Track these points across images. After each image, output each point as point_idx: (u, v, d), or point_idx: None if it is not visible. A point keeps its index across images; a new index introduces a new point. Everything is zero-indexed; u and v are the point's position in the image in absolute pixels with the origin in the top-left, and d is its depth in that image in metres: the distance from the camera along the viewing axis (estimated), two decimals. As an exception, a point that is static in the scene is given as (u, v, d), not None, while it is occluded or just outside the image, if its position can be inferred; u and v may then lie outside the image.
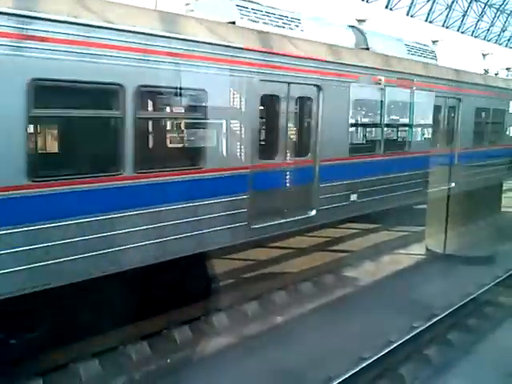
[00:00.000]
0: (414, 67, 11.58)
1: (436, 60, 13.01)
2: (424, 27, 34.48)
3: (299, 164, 8.78)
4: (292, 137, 8.72)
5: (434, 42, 17.58)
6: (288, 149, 8.51)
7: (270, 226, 8.20)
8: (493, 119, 15.21)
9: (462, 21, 40.80)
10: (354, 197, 9.76)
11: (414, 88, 11.26)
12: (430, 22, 37.56)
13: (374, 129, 11.37)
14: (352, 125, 10.20)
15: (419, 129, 12.16)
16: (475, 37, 42.39)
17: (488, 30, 44.02)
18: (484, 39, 43.48)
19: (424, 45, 13.13)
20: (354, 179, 9.78)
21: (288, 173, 8.51)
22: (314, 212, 8.97)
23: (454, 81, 12.84)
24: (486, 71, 17.54)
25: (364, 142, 11.45)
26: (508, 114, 16.29)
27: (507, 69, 20.65)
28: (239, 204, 7.60)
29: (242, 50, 7.47)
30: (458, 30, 40.55)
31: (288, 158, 8.52)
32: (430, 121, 12.26)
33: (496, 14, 43.57)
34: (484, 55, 33.22)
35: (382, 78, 10.19)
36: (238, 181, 7.61)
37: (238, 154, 7.60)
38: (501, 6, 42.97)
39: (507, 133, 17.04)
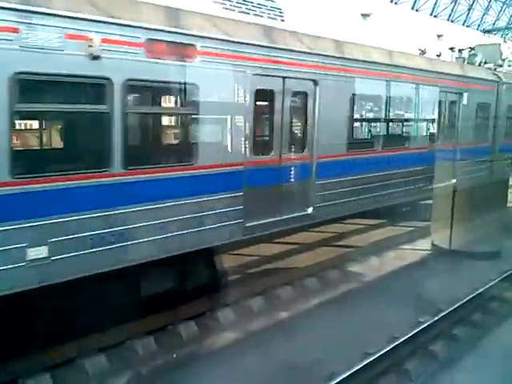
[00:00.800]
0: (206, 27, 7.17)
1: (282, 20, 8.92)
2: (429, 21, 34.30)
3: None
4: None
5: (438, 36, 16.67)
6: None
7: None
8: (391, 112, 11.30)
9: (468, 14, 40.54)
10: (36, 253, 5.57)
11: (200, 60, 6.91)
12: (435, 16, 37.33)
13: (84, 126, 6.43)
14: (16, 119, 5.67)
15: (222, 126, 7.52)
16: (481, 31, 42.10)
17: (494, 23, 43.74)
18: (489, 33, 43.19)
19: None
20: (35, 222, 5.55)
21: None
22: None
23: (305, 53, 8.58)
24: (423, 52, 14.02)
25: (67, 152, 6.63)
26: (423, 105, 11.97)
27: (451, 49, 16.41)
28: None
29: None
30: (463, 24, 40.30)
31: None
32: (248, 115, 7.72)
33: (502, 7, 43.26)
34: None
35: (96, 38, 5.84)
36: None
37: None
38: (507, -1, 42.70)
39: (420, 131, 12.22)
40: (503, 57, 17.38)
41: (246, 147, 7.73)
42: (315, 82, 8.78)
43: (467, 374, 6.34)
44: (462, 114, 13.10)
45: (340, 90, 9.41)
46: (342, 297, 8.69)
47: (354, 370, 5.79)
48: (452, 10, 38.83)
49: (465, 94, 12.99)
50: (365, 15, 26.14)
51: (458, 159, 13.05)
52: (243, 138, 7.69)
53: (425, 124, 12.30)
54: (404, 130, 11.84)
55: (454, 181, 12.84)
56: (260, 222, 8.05)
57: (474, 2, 40.11)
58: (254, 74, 7.67)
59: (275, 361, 6.41)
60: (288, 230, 9.11)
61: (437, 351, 6.74)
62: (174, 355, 6.66)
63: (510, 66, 17.55)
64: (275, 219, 8.32)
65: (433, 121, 12.49)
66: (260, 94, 7.98)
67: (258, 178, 7.95)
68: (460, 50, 16.29)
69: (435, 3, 36.84)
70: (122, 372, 6.22)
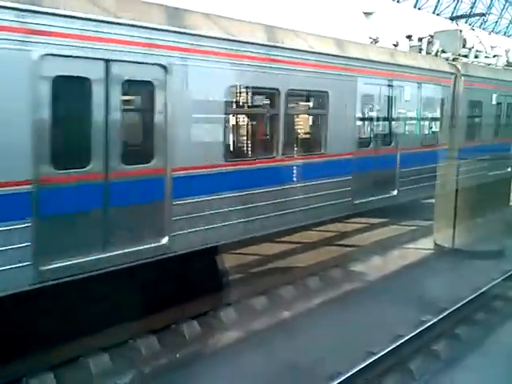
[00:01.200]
0: None
1: None
2: (431, 20, 34.22)
3: None
4: None
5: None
6: None
7: None
8: (294, 110, 9.13)
9: (470, 13, 40.42)
10: None
11: None
12: (438, 14, 37.23)
13: None
14: None
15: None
16: (483, 29, 41.99)
17: (496, 22, 43.63)
18: (492, 31, 43.09)
19: None
20: None
21: None
22: None
23: (146, 28, 6.43)
24: (375, 40, 12.21)
25: None
26: (338, 100, 9.24)
27: (408, 37, 14.20)
28: None
29: None
30: (465, 23, 40.15)
31: None
32: (37, 112, 5.54)
33: (505, 5, 43.15)
34: (492, 47, 32.87)
35: None
36: None
37: None
38: (510, -3, 42.57)
39: (338, 134, 9.35)
40: (468, 46, 15.15)
41: (37, 158, 5.54)
42: (165, 69, 6.62)
43: (470, 373, 6.32)
44: (400, 111, 10.94)
45: (210, 79, 7.20)
46: (344, 296, 8.68)
47: (358, 369, 5.80)
48: (455, 8, 38.76)
49: (406, 87, 10.92)
50: (367, 13, 26.08)
51: (397, 166, 10.85)
52: (30, 145, 5.48)
53: (344, 125, 9.53)
54: (314, 132, 9.32)
55: (395, 192, 10.92)
56: (74, 262, 5.89)
57: (476, 0, 40.02)
58: (45, 55, 5.55)
59: (278, 360, 6.41)
60: (135, 268, 6.58)
61: (440, 351, 6.72)
62: (177, 355, 6.66)
63: (477, 56, 15.22)
64: (104, 255, 6.17)
65: (356, 120, 9.98)
66: (65, 84, 5.81)
67: (68, 203, 5.82)
68: (420, 39, 14.34)
69: (438, 1, 36.77)
70: (125, 371, 6.22)
